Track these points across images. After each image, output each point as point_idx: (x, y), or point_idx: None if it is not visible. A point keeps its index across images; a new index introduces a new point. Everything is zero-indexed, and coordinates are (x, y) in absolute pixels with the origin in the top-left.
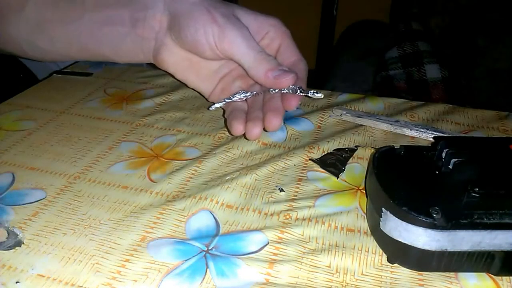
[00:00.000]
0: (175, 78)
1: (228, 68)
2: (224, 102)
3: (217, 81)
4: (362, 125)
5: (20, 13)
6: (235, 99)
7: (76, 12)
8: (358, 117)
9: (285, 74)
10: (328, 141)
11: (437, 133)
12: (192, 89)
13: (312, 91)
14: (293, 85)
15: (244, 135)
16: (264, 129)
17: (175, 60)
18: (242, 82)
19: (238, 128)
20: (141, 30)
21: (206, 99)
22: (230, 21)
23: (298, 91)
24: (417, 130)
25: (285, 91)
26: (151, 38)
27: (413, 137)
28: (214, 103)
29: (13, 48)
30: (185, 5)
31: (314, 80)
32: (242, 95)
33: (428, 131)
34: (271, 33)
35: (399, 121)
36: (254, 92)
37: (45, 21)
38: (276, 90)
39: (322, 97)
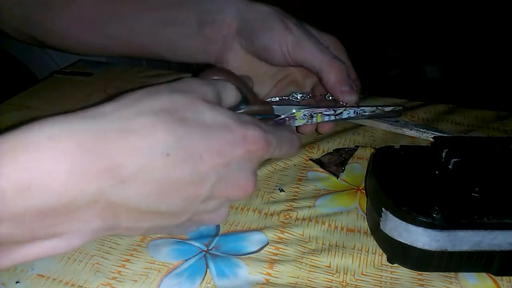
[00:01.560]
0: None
1: (285, 74)
2: (283, 98)
3: (273, 85)
4: (362, 125)
5: (70, 6)
6: (293, 98)
7: (136, 10)
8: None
9: (352, 92)
10: (328, 141)
11: (437, 133)
12: None
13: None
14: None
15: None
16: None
17: (238, 63)
18: (296, 87)
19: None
20: (209, 31)
21: None
22: (303, 31)
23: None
24: (417, 130)
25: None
26: (217, 41)
27: (413, 137)
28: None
29: (57, 43)
30: (259, 13)
31: None
32: (299, 95)
33: (428, 131)
34: (331, 48)
35: (399, 121)
36: (309, 96)
37: (99, 17)
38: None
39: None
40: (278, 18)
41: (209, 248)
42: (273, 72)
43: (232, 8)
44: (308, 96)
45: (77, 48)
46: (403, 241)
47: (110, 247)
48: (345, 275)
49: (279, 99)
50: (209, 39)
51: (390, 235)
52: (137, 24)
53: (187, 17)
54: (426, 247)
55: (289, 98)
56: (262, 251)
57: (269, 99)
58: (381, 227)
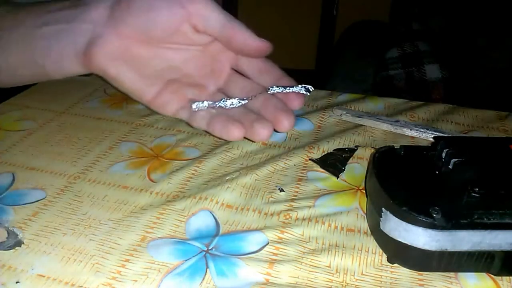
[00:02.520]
0: (105, 80)
1: (177, 73)
2: (215, 105)
3: (162, 85)
4: (362, 125)
5: None
6: (229, 105)
7: (19, 17)
8: (358, 117)
9: (264, 45)
10: (328, 141)
11: (437, 133)
12: (125, 93)
13: (309, 86)
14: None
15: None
16: (275, 130)
17: (111, 51)
18: (198, 90)
19: (236, 132)
20: (78, 23)
21: (146, 106)
22: None
23: (303, 89)
24: (417, 130)
25: (286, 90)
26: (86, 30)
27: (413, 137)
28: (198, 101)
29: None
30: None
31: (314, 80)
32: (236, 101)
33: (428, 131)
34: None
35: (399, 121)
36: (251, 96)
37: None
38: (275, 91)
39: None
40: None
41: (209, 248)
42: (161, 66)
43: None
44: (250, 97)
45: None
46: (403, 241)
47: (110, 247)
48: (345, 275)
49: (214, 105)
50: (79, 30)
51: (390, 235)
52: (18, 34)
53: (62, 13)
54: (426, 247)
55: (219, 106)
56: (262, 251)
57: (198, 104)
58: (381, 227)
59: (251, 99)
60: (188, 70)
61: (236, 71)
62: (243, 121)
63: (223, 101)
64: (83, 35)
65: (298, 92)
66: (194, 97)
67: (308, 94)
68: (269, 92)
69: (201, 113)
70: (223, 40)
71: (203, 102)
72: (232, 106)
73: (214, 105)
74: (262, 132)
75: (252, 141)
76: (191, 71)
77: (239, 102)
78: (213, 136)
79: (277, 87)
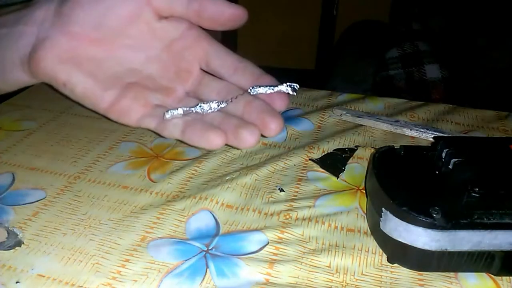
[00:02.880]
0: (54, 87)
1: (138, 76)
2: (191, 111)
3: (120, 90)
4: (362, 125)
5: None
6: (207, 110)
7: None
8: (358, 117)
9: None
10: (328, 141)
11: (437, 133)
12: (78, 101)
13: (294, 85)
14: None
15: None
16: (263, 135)
17: (59, 53)
18: (164, 95)
19: (217, 139)
20: (21, 26)
21: (104, 116)
22: None
23: (289, 89)
24: (417, 130)
25: (270, 90)
26: (30, 33)
27: (413, 137)
28: (171, 109)
29: None
30: None
31: (314, 80)
32: (215, 104)
33: (428, 131)
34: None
35: (399, 121)
36: (230, 99)
37: None
38: (257, 91)
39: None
40: None
41: (209, 248)
42: (118, 69)
43: None
44: (230, 100)
45: None
46: (403, 241)
47: (110, 247)
48: (345, 275)
49: (190, 112)
50: (22, 34)
51: (390, 235)
52: None
53: (8, 17)
54: (426, 247)
55: (196, 112)
56: (262, 251)
57: (173, 112)
58: (381, 227)
59: (231, 101)
60: (150, 71)
61: (207, 72)
62: (224, 127)
63: (200, 106)
64: (27, 39)
65: (282, 92)
66: (159, 103)
67: (295, 94)
68: (251, 93)
69: (174, 120)
70: (193, 15)
71: (177, 109)
72: (210, 111)
73: (190, 111)
74: (248, 138)
75: (237, 149)
76: (153, 72)
77: (218, 106)
78: (189, 145)
79: (260, 87)
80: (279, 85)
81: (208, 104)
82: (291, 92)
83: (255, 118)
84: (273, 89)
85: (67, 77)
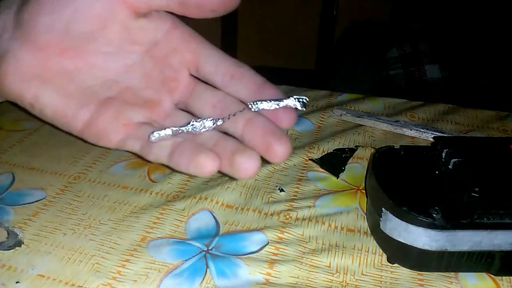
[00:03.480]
0: (20, 107)
1: (116, 89)
2: (182, 131)
3: (96, 106)
4: (362, 125)
5: None
6: (200, 129)
7: None
8: (358, 117)
9: None
10: (328, 141)
11: (437, 133)
12: (51, 122)
13: (304, 98)
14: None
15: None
16: (266, 161)
17: (23, 69)
18: (148, 110)
19: (209, 164)
20: None
21: (80, 138)
22: None
23: (297, 103)
24: (417, 130)
25: (275, 105)
26: None
27: (413, 137)
28: (157, 130)
29: None
30: None
31: (314, 80)
32: (210, 122)
33: (428, 131)
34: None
35: (399, 121)
36: (228, 116)
37: None
38: (260, 107)
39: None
40: None
41: (209, 248)
42: (91, 83)
43: (15, 3)
44: (220, 121)
45: None
46: (403, 241)
47: (110, 247)
48: (345, 275)
49: (179, 132)
50: None
51: (390, 235)
52: None
53: None
54: (426, 247)
55: (187, 132)
56: (262, 251)
57: (160, 133)
58: (381, 227)
59: (228, 118)
60: (130, 82)
61: (200, 80)
62: (219, 150)
63: (192, 124)
64: None
65: (289, 107)
66: (144, 120)
67: (304, 109)
68: (252, 109)
69: (161, 142)
70: (176, 5)
71: (164, 129)
72: (204, 129)
73: (180, 131)
74: (246, 167)
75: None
76: (134, 83)
77: (214, 124)
78: (178, 171)
79: (263, 101)
80: (285, 98)
81: (201, 122)
82: (299, 108)
83: (257, 140)
84: (278, 104)
85: (34, 97)
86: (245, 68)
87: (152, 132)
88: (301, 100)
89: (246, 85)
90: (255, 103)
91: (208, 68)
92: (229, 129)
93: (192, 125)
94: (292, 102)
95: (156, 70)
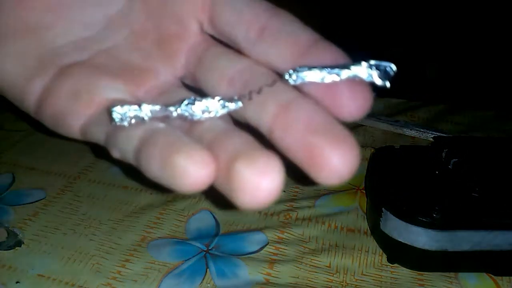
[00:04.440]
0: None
1: (87, 52)
2: (169, 113)
3: (53, 74)
4: (362, 125)
5: None
6: (201, 115)
7: None
8: None
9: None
10: None
11: (437, 133)
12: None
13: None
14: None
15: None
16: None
17: None
18: (133, 81)
19: (193, 171)
20: None
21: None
22: None
23: (376, 72)
24: (417, 130)
25: (334, 76)
26: None
27: (413, 137)
28: (126, 104)
29: None
30: None
31: None
32: (217, 103)
33: (428, 131)
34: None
35: (399, 121)
36: (249, 94)
37: None
38: (305, 78)
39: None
40: None
41: (209, 248)
42: (59, 42)
43: None
44: (235, 103)
45: None
46: (403, 241)
47: (110, 247)
48: (345, 275)
49: (152, 113)
50: None
51: (390, 235)
52: None
53: None
54: (426, 247)
55: (179, 116)
56: (262, 251)
57: (117, 115)
58: (381, 227)
59: (250, 99)
60: (110, 42)
61: (216, 39)
62: (218, 150)
63: (187, 104)
64: None
65: (358, 80)
66: (122, 96)
67: (387, 85)
68: (289, 80)
69: (131, 128)
70: None
71: (138, 105)
72: (208, 115)
73: (167, 113)
74: (253, 185)
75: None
76: (117, 44)
77: (223, 107)
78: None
79: (312, 68)
80: (353, 64)
81: (203, 102)
82: (378, 81)
83: (295, 141)
84: (338, 74)
85: None
86: (284, 16)
87: (114, 107)
88: (382, 67)
89: (285, 45)
90: (297, 70)
91: (227, 17)
92: (252, 118)
93: (188, 105)
94: (365, 70)
95: (150, 23)
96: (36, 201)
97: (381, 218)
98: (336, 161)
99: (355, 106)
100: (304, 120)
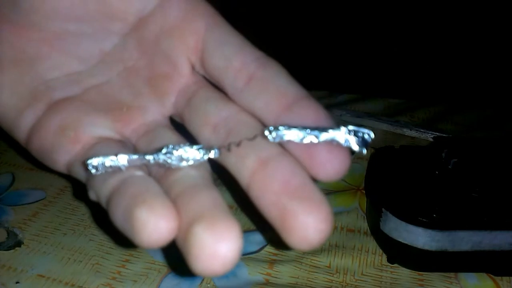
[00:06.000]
0: None
1: (78, 87)
2: (146, 161)
3: (44, 108)
4: (362, 125)
5: None
6: (177, 163)
7: None
8: (358, 117)
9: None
10: None
11: (437, 133)
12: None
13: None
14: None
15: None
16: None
17: None
18: (122, 119)
19: (153, 225)
20: None
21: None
22: None
23: (353, 138)
24: (417, 130)
25: (312, 137)
26: None
27: (413, 137)
28: (102, 155)
29: None
30: None
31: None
32: (196, 152)
33: (428, 131)
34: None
35: (399, 121)
36: (228, 145)
37: None
38: (284, 136)
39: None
40: None
41: None
42: (52, 75)
43: None
44: (212, 152)
45: None
46: (403, 241)
47: (110, 247)
48: (345, 275)
49: (129, 163)
50: None
51: (390, 235)
52: None
53: None
54: (426, 247)
55: (155, 162)
56: (262, 251)
57: (94, 161)
58: (381, 227)
59: (229, 150)
60: (102, 78)
61: (208, 80)
62: (183, 206)
63: (165, 153)
64: None
65: (336, 144)
66: (109, 134)
67: (364, 152)
68: (269, 137)
69: (108, 179)
70: None
71: (115, 155)
72: (186, 163)
73: (144, 161)
74: (210, 251)
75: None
76: (109, 80)
77: (203, 156)
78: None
79: (293, 128)
80: (333, 128)
81: (182, 149)
82: (356, 147)
83: (269, 201)
84: (317, 136)
85: None
86: (273, 68)
87: (89, 159)
88: (360, 134)
89: (270, 96)
90: (277, 128)
91: (216, 62)
92: (232, 169)
93: (166, 153)
94: (343, 135)
95: (143, 61)
96: (36, 201)
97: (381, 218)
98: (307, 228)
99: (332, 168)
100: (280, 180)
